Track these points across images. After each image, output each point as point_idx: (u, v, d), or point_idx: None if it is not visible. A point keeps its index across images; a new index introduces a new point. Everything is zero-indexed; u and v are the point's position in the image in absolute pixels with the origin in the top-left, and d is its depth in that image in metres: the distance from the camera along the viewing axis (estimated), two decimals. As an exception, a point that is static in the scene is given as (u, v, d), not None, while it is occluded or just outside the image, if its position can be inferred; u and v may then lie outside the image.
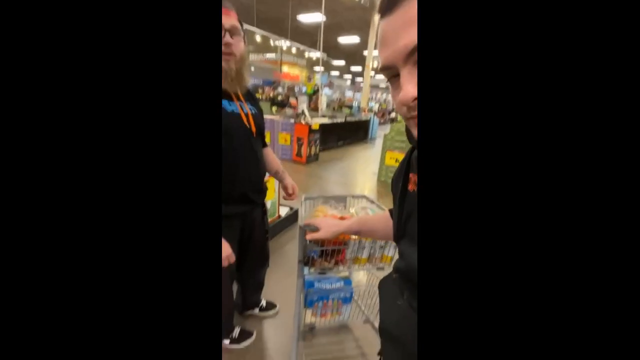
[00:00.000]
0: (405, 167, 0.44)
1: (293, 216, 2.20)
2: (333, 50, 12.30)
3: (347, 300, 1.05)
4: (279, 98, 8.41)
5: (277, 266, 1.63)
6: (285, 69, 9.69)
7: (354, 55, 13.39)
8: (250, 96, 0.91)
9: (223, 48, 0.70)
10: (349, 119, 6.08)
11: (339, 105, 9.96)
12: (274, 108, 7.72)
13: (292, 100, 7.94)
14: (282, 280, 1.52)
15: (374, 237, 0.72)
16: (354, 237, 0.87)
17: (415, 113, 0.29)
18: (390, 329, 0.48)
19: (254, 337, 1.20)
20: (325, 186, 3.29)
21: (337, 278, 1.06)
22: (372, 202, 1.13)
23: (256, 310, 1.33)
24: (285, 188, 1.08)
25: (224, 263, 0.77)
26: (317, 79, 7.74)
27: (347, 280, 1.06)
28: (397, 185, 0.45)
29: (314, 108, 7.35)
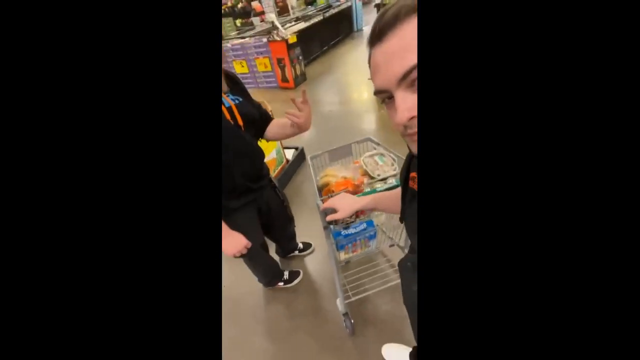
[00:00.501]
0: (407, 166, 0.48)
1: (300, 155, 2.23)
2: None
3: (372, 237, 1.19)
4: (240, 6, 7.02)
5: (300, 208, 1.78)
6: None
7: None
8: (235, 84, 0.83)
9: None
10: (327, 13, 5.15)
11: (311, -8, 8.25)
12: (238, 21, 6.56)
13: (256, 5, 6.64)
14: (309, 220, 1.69)
15: (389, 212, 0.77)
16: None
17: (412, 131, 0.32)
18: (409, 307, 0.59)
19: (301, 275, 1.45)
20: (321, 110, 3.14)
21: (360, 222, 1.18)
22: (377, 144, 1.12)
23: (296, 252, 1.56)
24: (302, 125, 0.87)
25: (243, 251, 0.88)
26: (276, -38, 6.17)
27: (369, 222, 1.17)
28: (402, 177, 0.50)
29: (282, 7, 6.18)
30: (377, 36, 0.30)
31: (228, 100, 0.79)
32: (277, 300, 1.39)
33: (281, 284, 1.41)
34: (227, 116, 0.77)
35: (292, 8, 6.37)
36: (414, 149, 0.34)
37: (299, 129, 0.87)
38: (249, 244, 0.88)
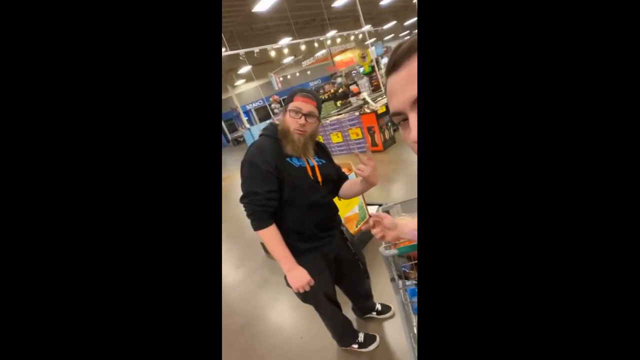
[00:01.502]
0: None
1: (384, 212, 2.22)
2: (378, 17, 11.33)
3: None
4: (340, 91, 8.42)
5: (380, 269, 1.70)
6: (339, 58, 9.60)
7: (405, 10, 11.93)
8: (321, 149, 1.06)
9: (298, 127, 0.91)
10: (418, 83, 5.48)
11: (403, 69, 9.06)
12: (338, 102, 7.79)
13: (354, 87, 7.81)
14: (389, 283, 1.58)
15: None
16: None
17: None
18: None
19: (378, 340, 1.32)
20: (409, 170, 3.13)
21: (440, 282, 1.05)
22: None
23: (374, 314, 1.45)
24: (367, 177, 0.94)
25: (306, 287, 0.94)
26: (371, 52, 7.34)
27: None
28: None
29: (377, 86, 7.00)
30: (394, 67, 0.34)
31: (313, 160, 0.99)
32: (351, 365, 1.28)
33: (355, 346, 1.31)
34: (309, 173, 0.96)
35: (385, 85, 7.14)
36: None
37: (367, 183, 0.96)
38: (312, 281, 0.95)
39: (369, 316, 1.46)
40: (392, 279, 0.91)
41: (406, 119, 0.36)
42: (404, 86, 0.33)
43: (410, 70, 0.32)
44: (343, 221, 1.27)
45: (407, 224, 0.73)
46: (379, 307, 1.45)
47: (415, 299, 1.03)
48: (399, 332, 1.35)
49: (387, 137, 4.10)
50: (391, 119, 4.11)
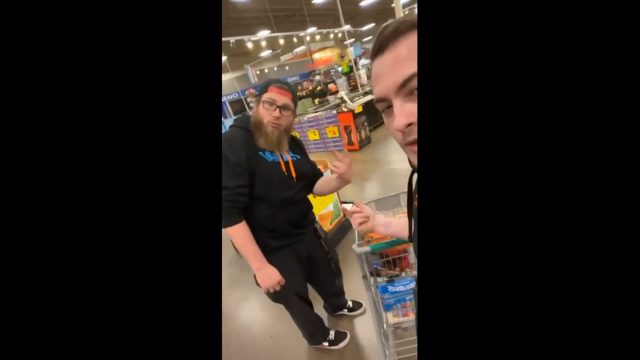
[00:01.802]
0: (410, 188, 0.49)
1: (358, 211, 2.25)
2: (358, 17, 11.46)
3: (425, 298, 1.04)
4: (318, 88, 8.40)
5: (353, 266, 1.72)
6: (317, 55, 9.56)
7: (384, 12, 12.18)
8: (296, 144, 1.02)
9: (272, 119, 0.86)
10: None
11: (380, 71, 9.26)
12: (317, 100, 7.77)
13: (332, 86, 7.83)
14: (361, 280, 1.60)
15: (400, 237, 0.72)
16: (412, 242, 0.86)
17: (410, 139, 0.33)
18: None
19: (348, 337, 1.32)
20: (384, 170, 3.20)
21: (410, 279, 1.06)
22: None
23: (345, 311, 1.45)
24: (343, 174, 0.93)
25: (276, 287, 0.92)
26: (350, 52, 7.41)
27: (420, 280, 1.05)
28: (408, 197, 0.51)
29: (354, 86, 7.09)
30: (379, 49, 0.32)
31: (287, 155, 0.95)
32: (321, 363, 1.27)
33: (326, 343, 1.30)
34: (283, 168, 0.92)
35: (362, 85, 7.25)
36: (413, 160, 0.35)
37: (342, 180, 0.95)
38: (283, 281, 0.91)
39: (340, 313, 1.46)
40: (364, 276, 0.91)
41: (390, 106, 0.33)
42: (389, 70, 0.31)
43: (396, 53, 0.31)
44: (317, 219, 1.25)
45: (380, 218, 0.73)
46: (350, 304, 1.46)
47: (385, 296, 1.04)
48: (369, 328, 1.36)
49: (363, 136, 4.16)
50: (365, 121, 4.19)
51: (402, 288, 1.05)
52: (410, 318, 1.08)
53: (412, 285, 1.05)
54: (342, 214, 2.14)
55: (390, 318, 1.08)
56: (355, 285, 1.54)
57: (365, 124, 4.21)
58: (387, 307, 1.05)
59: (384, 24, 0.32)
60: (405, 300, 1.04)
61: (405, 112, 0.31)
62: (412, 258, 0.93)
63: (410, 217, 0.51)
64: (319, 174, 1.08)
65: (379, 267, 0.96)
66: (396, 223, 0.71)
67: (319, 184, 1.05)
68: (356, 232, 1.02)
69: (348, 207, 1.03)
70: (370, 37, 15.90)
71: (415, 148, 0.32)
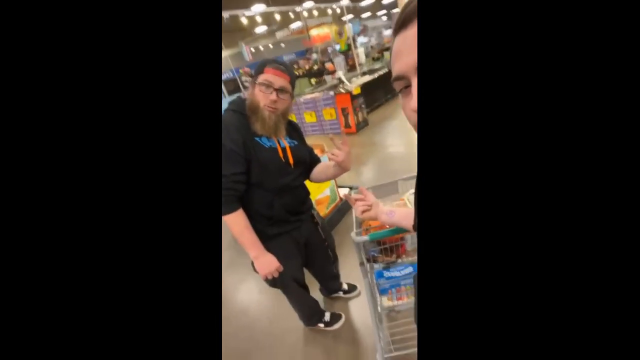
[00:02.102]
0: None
1: (355, 195, 2.25)
2: (357, -10, 10.87)
3: (420, 283, 1.07)
4: (315, 67, 8.13)
5: (350, 248, 1.74)
6: (314, 32, 9.17)
7: (383, -15, 11.58)
8: (294, 129, 0.98)
9: (269, 103, 0.81)
10: (392, 66, 5.47)
11: (380, 50, 8.98)
12: (313, 80, 7.54)
13: (329, 65, 7.58)
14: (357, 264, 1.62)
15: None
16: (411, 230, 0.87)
17: None
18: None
19: (343, 318, 1.36)
20: (381, 153, 3.18)
21: (406, 264, 1.08)
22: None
23: (340, 293, 1.49)
24: (341, 162, 0.90)
25: (275, 274, 0.92)
26: (348, 29, 7.12)
27: (415, 265, 1.07)
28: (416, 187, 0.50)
29: (353, 65, 6.87)
30: (403, 23, 0.30)
31: (284, 141, 0.92)
32: (317, 343, 1.32)
33: (322, 325, 1.34)
34: (280, 154, 0.89)
35: (360, 65, 7.03)
36: None
37: (340, 168, 0.93)
38: (281, 268, 0.92)
39: (335, 296, 1.49)
40: (362, 264, 0.92)
41: (408, 86, 0.32)
42: (411, 47, 0.29)
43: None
44: (314, 204, 1.24)
45: (383, 207, 0.72)
46: (345, 286, 1.49)
47: (381, 281, 1.06)
48: (363, 310, 1.40)
49: (360, 119, 4.08)
50: (363, 103, 4.10)
51: (397, 274, 1.07)
52: (404, 301, 1.10)
53: (408, 271, 1.07)
54: (338, 199, 2.14)
55: (385, 302, 1.10)
56: (350, 268, 1.57)
57: (363, 106, 4.11)
58: (382, 292, 1.08)
59: (406, 1, 0.30)
60: (400, 285, 1.06)
61: None
62: (409, 245, 0.93)
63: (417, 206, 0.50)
64: (317, 160, 1.06)
65: (376, 254, 0.97)
66: (399, 212, 0.70)
67: (317, 171, 1.03)
68: (354, 219, 1.02)
69: (351, 193, 1.01)
70: (369, 13, 15.21)
71: None
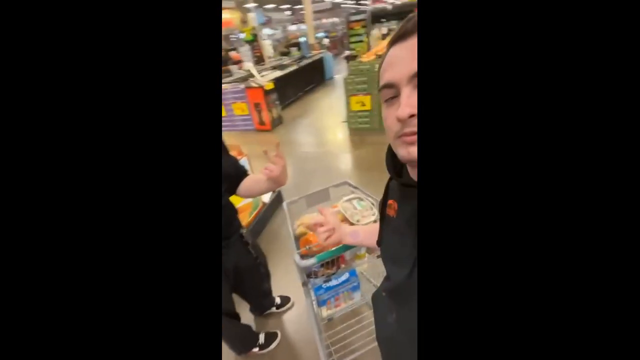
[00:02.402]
0: (385, 194, 0.49)
1: (278, 198, 2.15)
2: (260, -22, 10.42)
3: (356, 287, 1.09)
4: (218, 55, 7.38)
5: (277, 255, 1.65)
6: (213, 16, 8.26)
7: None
8: None
9: None
10: (302, 63, 5.54)
11: (286, 45, 8.95)
12: (217, 69, 6.83)
13: (234, 54, 7.03)
14: (287, 270, 1.56)
15: (368, 245, 0.72)
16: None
17: (407, 130, 0.32)
18: (383, 343, 0.54)
19: (279, 337, 1.27)
20: (298, 151, 3.17)
21: (342, 272, 1.08)
22: (355, 187, 1.09)
23: (273, 309, 1.39)
24: (276, 178, 0.79)
25: None
26: (252, 18, 6.76)
27: (352, 271, 1.08)
28: (380, 205, 0.50)
29: (259, 57, 6.58)
30: (402, 35, 0.32)
31: None
32: (252, 371, 1.19)
33: (256, 349, 1.22)
34: None
35: (269, 58, 6.82)
36: (403, 154, 0.34)
37: (275, 183, 0.82)
38: None
39: (268, 312, 1.38)
40: (304, 284, 0.85)
41: (395, 97, 0.33)
42: (407, 56, 0.31)
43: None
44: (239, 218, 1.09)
45: (346, 227, 0.68)
46: (278, 300, 1.40)
47: (320, 293, 1.03)
48: (299, 323, 1.35)
49: (275, 115, 3.95)
50: (277, 99, 3.98)
51: (336, 282, 1.06)
52: (341, 307, 1.11)
53: (345, 277, 1.07)
54: (261, 204, 2.00)
55: (324, 312, 1.08)
56: (281, 278, 1.49)
57: (277, 102, 3.99)
58: (322, 303, 1.05)
59: (411, 14, 0.32)
60: (339, 293, 1.06)
61: (412, 102, 0.31)
62: (348, 255, 0.93)
63: (381, 225, 0.50)
64: (243, 173, 0.91)
65: (316, 269, 0.92)
66: (363, 231, 0.68)
67: (246, 186, 0.89)
68: (292, 238, 0.94)
69: (308, 218, 0.91)
70: (274, 5, 14.88)
71: (409, 140, 0.33)
